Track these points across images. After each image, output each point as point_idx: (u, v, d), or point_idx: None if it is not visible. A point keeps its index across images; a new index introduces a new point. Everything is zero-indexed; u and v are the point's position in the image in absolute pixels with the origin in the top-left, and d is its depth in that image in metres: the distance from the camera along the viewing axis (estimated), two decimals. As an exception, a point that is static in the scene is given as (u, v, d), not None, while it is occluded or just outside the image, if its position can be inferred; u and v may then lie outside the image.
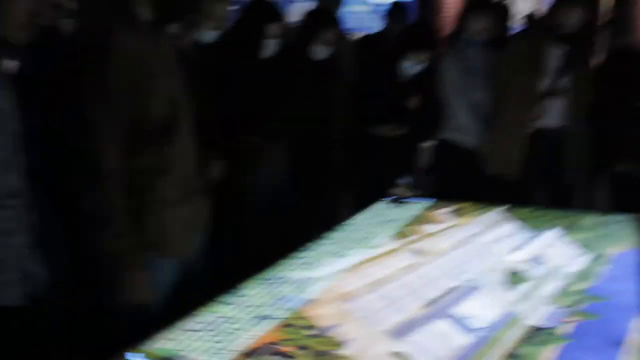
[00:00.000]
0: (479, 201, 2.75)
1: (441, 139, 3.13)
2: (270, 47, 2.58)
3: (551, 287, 1.65)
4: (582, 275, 1.73)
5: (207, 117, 2.41)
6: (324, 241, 1.97)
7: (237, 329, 1.38)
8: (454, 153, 3.09)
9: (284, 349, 1.30)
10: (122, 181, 1.54)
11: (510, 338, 1.36)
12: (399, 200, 2.43)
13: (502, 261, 1.83)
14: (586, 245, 1.96)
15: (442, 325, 1.42)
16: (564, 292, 1.62)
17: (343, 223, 2.16)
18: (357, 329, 1.40)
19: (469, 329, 1.40)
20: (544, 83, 2.81)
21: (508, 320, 1.46)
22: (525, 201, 2.76)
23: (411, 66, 2.88)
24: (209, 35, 2.41)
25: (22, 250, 1.34)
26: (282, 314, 1.45)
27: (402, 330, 1.39)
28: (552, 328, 1.41)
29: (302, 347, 1.30)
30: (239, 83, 2.55)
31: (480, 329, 1.41)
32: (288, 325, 1.40)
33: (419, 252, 1.89)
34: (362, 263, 1.79)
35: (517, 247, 1.95)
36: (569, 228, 2.13)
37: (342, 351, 1.30)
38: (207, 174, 2.30)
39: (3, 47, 1.31)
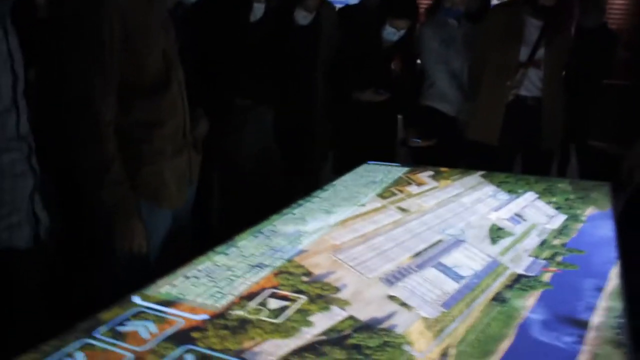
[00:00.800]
0: (458, 167, 2.86)
1: (422, 106, 3.20)
2: (257, 11, 2.60)
3: (531, 241, 1.74)
4: (560, 231, 1.82)
5: (194, 76, 2.45)
6: (312, 199, 2.03)
7: (235, 276, 1.44)
8: (435, 120, 3.16)
9: (282, 293, 1.36)
10: (118, 132, 1.57)
11: (496, 284, 1.44)
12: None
13: (484, 218, 1.92)
14: (562, 207, 2.05)
15: (431, 273, 1.50)
16: (544, 246, 1.70)
17: (330, 183, 2.22)
18: (350, 276, 1.46)
19: (457, 277, 1.48)
20: (521, 54, 2.87)
21: (493, 268, 1.54)
22: (503, 167, 2.87)
23: (392, 33, 2.93)
24: None
25: (31, 193, 1.37)
26: (277, 263, 1.51)
27: (394, 277, 1.46)
28: (534, 276, 1.49)
29: (299, 291, 1.36)
30: (227, 44, 2.56)
31: (468, 276, 1.48)
32: (284, 272, 1.46)
33: (404, 210, 1.96)
34: (350, 219, 1.85)
35: (498, 207, 2.04)
36: (545, 192, 2.23)
37: (338, 295, 1.36)
38: (195, 130, 2.33)
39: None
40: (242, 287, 1.38)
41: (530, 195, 2.17)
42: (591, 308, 1.32)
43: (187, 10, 2.45)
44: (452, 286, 1.43)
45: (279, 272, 1.46)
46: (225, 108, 2.67)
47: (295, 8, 2.84)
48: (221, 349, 1.13)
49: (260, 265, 1.50)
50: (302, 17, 2.87)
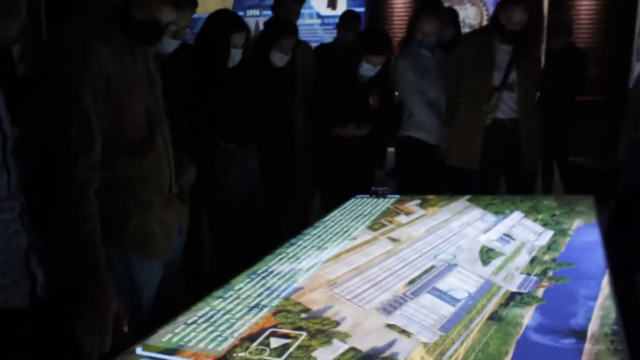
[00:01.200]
0: (444, 193, 2.90)
1: (403, 137, 3.26)
2: (235, 56, 2.66)
3: (522, 259, 1.77)
4: (549, 246, 1.86)
5: (177, 125, 2.48)
6: (304, 236, 2.05)
7: (234, 318, 1.45)
8: (416, 149, 3.22)
9: (282, 331, 1.37)
10: (104, 185, 1.56)
11: (491, 304, 1.47)
12: (378, 194, 2.54)
13: (473, 241, 1.95)
14: (549, 223, 2.09)
15: (427, 299, 1.52)
16: (535, 262, 1.74)
17: (320, 220, 2.24)
18: (347, 309, 1.48)
19: (452, 300, 1.50)
20: (494, 78, 2.96)
21: (487, 289, 1.57)
22: (488, 190, 2.92)
23: (369, 69, 3.01)
24: (170, 44, 2.44)
25: (25, 251, 1.38)
26: (275, 302, 1.53)
27: (390, 306, 1.48)
28: (528, 292, 1.52)
29: (299, 328, 1.38)
30: (207, 91, 2.61)
31: (463, 299, 1.51)
32: (282, 311, 1.47)
33: (395, 240, 1.99)
34: (343, 253, 1.87)
35: (486, 229, 2.07)
36: (531, 210, 2.27)
37: (337, 328, 1.37)
38: (181, 179, 2.35)
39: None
40: (243, 329, 1.39)
41: (517, 215, 2.21)
42: (587, 318, 1.35)
43: (165, 60, 2.50)
44: (448, 310, 1.46)
45: (277, 312, 1.47)
46: (210, 153, 2.70)
47: (271, 51, 2.91)
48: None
49: (258, 306, 1.51)
50: (278, 59, 2.94)
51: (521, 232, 2.02)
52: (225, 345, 1.31)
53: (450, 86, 3.14)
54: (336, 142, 3.14)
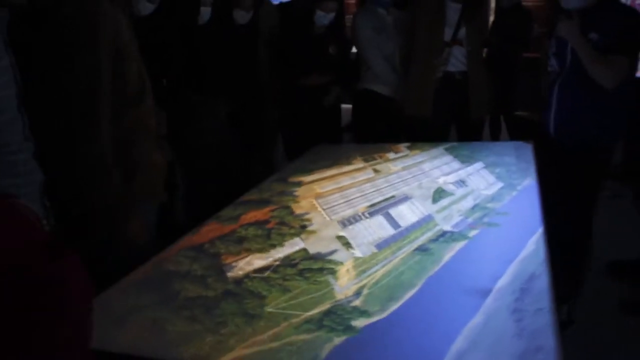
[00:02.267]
0: (400, 142, 3.16)
1: (360, 90, 3.50)
2: (204, 14, 2.82)
3: (466, 203, 2.00)
4: (493, 197, 2.05)
5: (156, 80, 2.65)
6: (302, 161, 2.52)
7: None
8: (373, 101, 3.46)
9: (270, 224, 1.78)
10: (113, 139, 1.75)
11: (424, 237, 1.71)
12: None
13: (433, 181, 2.22)
14: (503, 177, 2.29)
15: (377, 220, 1.81)
16: (476, 208, 1.94)
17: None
18: (318, 216, 1.83)
19: (395, 225, 1.79)
20: (445, 34, 3.21)
21: (425, 222, 1.83)
22: (439, 137, 3.19)
23: (322, 16, 3.21)
24: (145, 7, 2.56)
25: (40, 185, 1.56)
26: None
27: (348, 221, 1.79)
28: (459, 232, 1.74)
29: (282, 223, 1.77)
30: (180, 48, 2.78)
31: (404, 227, 1.79)
32: (276, 209, 1.90)
33: (376, 171, 2.34)
34: (337, 174, 2.24)
35: (448, 173, 2.34)
36: (492, 163, 2.49)
37: (305, 230, 1.73)
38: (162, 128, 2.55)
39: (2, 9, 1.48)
40: (248, 217, 1.82)
41: (478, 165, 2.45)
42: (499, 275, 1.44)
43: (138, 19, 2.65)
44: (389, 232, 1.74)
45: (274, 209, 1.89)
46: (183, 104, 2.89)
47: (232, 9, 3.08)
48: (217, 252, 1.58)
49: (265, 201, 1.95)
50: (240, 16, 3.12)
51: (475, 181, 2.24)
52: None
53: (405, 42, 3.38)
54: (300, 92, 3.34)
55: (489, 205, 1.96)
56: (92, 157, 1.69)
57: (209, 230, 1.80)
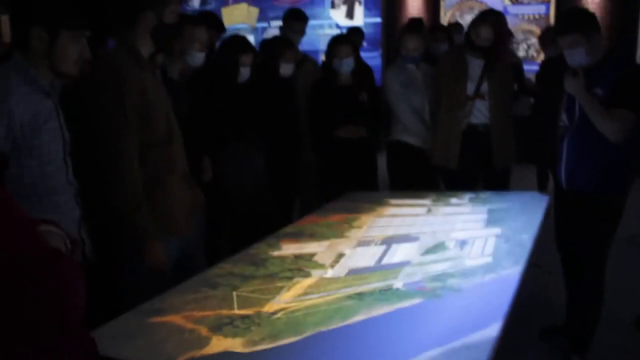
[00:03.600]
0: (430, 189, 3.36)
1: (391, 141, 3.74)
2: (244, 73, 3.18)
3: (445, 266, 2.00)
4: (472, 271, 1.95)
5: (197, 128, 3.03)
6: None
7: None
8: (403, 151, 3.69)
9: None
10: (142, 179, 2.10)
11: (376, 283, 1.86)
12: None
13: (444, 232, 2.40)
14: (501, 239, 2.29)
15: (378, 249, 2.21)
16: (445, 274, 1.91)
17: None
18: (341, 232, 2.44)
19: (380, 259, 2.08)
20: (468, 89, 3.42)
21: (396, 267, 2.00)
22: (467, 186, 3.37)
23: (339, 62, 3.51)
24: (197, 57, 2.94)
25: (78, 222, 1.92)
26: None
27: (360, 242, 2.30)
28: (402, 290, 1.78)
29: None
30: (222, 101, 3.15)
31: (383, 263, 2.05)
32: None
33: (401, 215, 2.71)
34: (368, 211, 2.73)
35: (459, 228, 2.47)
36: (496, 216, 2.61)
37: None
38: (200, 172, 2.91)
39: (62, 79, 1.89)
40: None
41: (494, 231, 2.38)
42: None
43: (190, 76, 3.06)
44: (370, 263, 2.06)
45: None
46: (225, 153, 3.24)
47: (279, 63, 3.43)
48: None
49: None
50: (284, 69, 3.47)
51: (475, 246, 2.20)
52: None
53: (433, 95, 3.62)
54: (336, 142, 3.61)
55: (458, 276, 1.90)
56: (124, 192, 2.04)
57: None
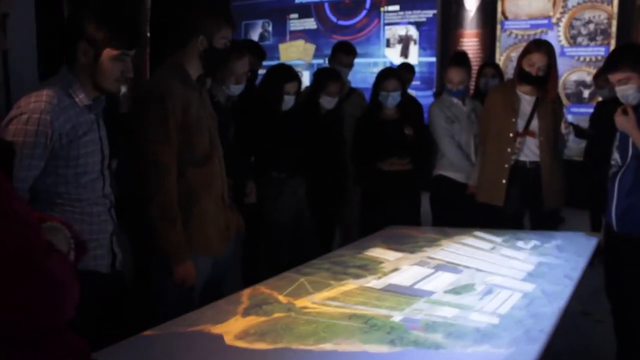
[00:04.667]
0: (474, 226, 3.26)
1: (435, 176, 3.67)
2: (288, 102, 3.21)
3: (452, 312, 1.89)
4: (465, 331, 1.76)
5: (242, 153, 3.06)
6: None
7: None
8: (447, 186, 3.62)
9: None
10: (179, 194, 2.12)
11: (379, 307, 1.90)
12: None
13: (485, 273, 2.31)
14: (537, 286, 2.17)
15: (425, 271, 2.32)
16: (444, 323, 1.79)
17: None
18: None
19: (413, 284, 2.16)
20: (518, 125, 3.33)
21: (405, 295, 2.02)
22: (512, 225, 3.25)
23: (386, 94, 3.46)
24: (233, 89, 2.98)
25: (110, 235, 1.94)
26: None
27: (418, 263, 2.44)
28: (398, 327, 1.74)
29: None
30: (265, 128, 3.17)
31: (415, 287, 2.11)
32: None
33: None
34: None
35: (501, 273, 2.33)
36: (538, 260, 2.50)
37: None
38: (240, 197, 2.92)
39: (106, 95, 1.95)
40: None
41: (528, 286, 2.19)
42: None
43: (234, 102, 3.11)
44: (407, 284, 2.15)
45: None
46: (266, 179, 3.25)
47: (320, 95, 3.45)
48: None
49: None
50: (327, 102, 3.47)
51: (501, 294, 2.07)
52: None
53: (480, 131, 3.55)
54: (379, 176, 3.57)
55: (465, 325, 1.79)
56: (159, 204, 2.07)
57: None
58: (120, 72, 1.86)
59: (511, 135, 3.34)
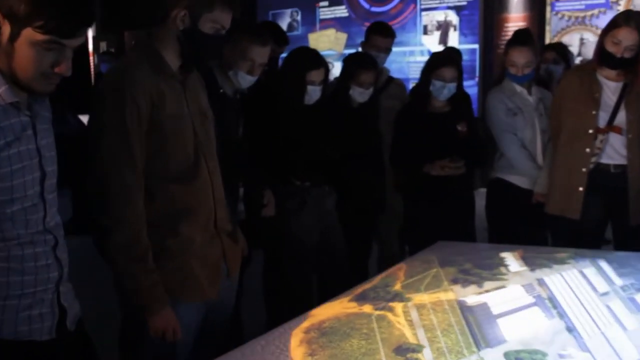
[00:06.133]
0: (540, 243, 2.63)
1: (493, 179, 3.05)
2: (312, 93, 2.61)
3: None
4: None
5: (255, 157, 2.50)
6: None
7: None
8: (507, 193, 3.00)
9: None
10: (150, 222, 1.60)
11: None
12: None
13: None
14: None
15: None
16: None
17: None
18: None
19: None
20: (600, 118, 2.70)
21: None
22: (591, 243, 2.62)
23: (441, 85, 2.85)
24: (245, 79, 2.38)
25: (56, 284, 1.39)
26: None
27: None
28: None
29: None
30: (284, 126, 2.59)
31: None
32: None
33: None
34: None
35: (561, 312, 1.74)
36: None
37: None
38: (260, 207, 2.43)
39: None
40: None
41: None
42: None
43: (244, 95, 2.53)
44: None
45: None
46: (286, 189, 2.67)
47: (350, 86, 2.84)
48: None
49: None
50: (359, 94, 2.86)
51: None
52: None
53: (550, 125, 2.90)
54: (425, 182, 2.95)
55: None
56: (122, 239, 1.57)
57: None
58: (50, 65, 1.28)
59: (591, 131, 2.71)
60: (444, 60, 2.92)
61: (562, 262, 2.13)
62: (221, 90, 2.40)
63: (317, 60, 2.63)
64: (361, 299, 1.80)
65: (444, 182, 2.89)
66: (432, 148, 2.88)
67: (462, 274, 2.04)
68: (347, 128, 2.83)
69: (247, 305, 2.72)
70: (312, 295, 2.73)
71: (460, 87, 2.93)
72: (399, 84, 3.55)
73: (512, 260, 2.16)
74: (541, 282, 1.93)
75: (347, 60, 2.98)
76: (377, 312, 1.70)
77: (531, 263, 2.12)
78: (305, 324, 1.62)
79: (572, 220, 2.77)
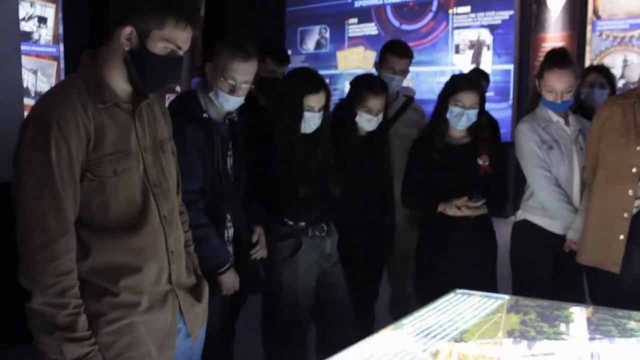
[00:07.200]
0: (571, 298, 2.25)
1: (520, 220, 2.68)
2: (310, 121, 2.29)
3: None
4: None
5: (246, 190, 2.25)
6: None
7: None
8: (536, 237, 2.63)
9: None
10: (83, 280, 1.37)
11: None
12: None
13: None
14: None
15: None
16: None
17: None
18: None
19: None
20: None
21: None
22: (633, 302, 2.23)
23: (459, 114, 2.51)
24: (229, 102, 2.10)
25: None
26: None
27: None
28: None
29: None
30: (277, 157, 2.28)
31: None
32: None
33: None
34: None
35: None
36: None
37: None
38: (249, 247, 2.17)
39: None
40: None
41: None
42: None
43: (235, 123, 2.24)
44: None
45: None
46: (277, 230, 2.35)
47: (356, 113, 2.52)
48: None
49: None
50: (366, 121, 2.54)
51: None
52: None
53: (587, 161, 2.53)
54: (441, 222, 2.60)
55: None
56: (43, 298, 1.33)
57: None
58: None
59: (634, 170, 2.32)
60: (463, 84, 2.56)
61: (631, 333, 1.75)
62: (205, 115, 2.11)
63: (317, 84, 2.31)
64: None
65: (463, 224, 2.54)
66: (449, 184, 2.54)
67: (522, 325, 1.79)
68: (351, 159, 2.51)
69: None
70: (305, 349, 2.41)
71: (482, 113, 2.58)
72: (417, 109, 3.21)
73: (579, 318, 1.85)
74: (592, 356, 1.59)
75: (355, 83, 2.65)
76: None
77: (595, 330, 1.76)
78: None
79: (610, 273, 2.38)
